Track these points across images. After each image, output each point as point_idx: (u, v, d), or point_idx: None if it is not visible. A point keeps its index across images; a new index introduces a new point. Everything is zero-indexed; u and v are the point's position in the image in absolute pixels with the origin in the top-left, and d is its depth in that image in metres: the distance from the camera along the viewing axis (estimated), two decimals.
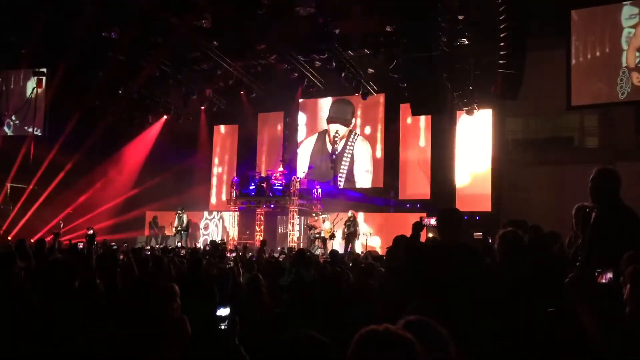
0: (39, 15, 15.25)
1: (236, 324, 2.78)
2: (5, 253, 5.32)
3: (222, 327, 2.72)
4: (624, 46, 13.33)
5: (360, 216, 18.00)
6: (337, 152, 20.27)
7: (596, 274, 2.47)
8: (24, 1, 14.37)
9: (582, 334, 2.57)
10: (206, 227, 21.22)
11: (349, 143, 20.18)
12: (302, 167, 20.66)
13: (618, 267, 2.67)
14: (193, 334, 3.01)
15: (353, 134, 20.18)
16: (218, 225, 20.96)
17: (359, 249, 16.24)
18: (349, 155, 20.09)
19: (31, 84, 18.59)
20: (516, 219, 4.49)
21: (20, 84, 19.12)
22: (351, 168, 20.00)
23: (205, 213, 21.40)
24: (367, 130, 20.08)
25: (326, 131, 20.62)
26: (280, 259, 10.92)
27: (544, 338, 3.21)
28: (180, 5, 14.60)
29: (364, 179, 19.78)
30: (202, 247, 15.84)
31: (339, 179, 20.05)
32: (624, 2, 13.34)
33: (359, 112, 20.18)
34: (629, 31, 13.33)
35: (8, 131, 18.95)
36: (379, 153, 19.71)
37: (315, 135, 20.82)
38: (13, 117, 18.96)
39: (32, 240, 14.59)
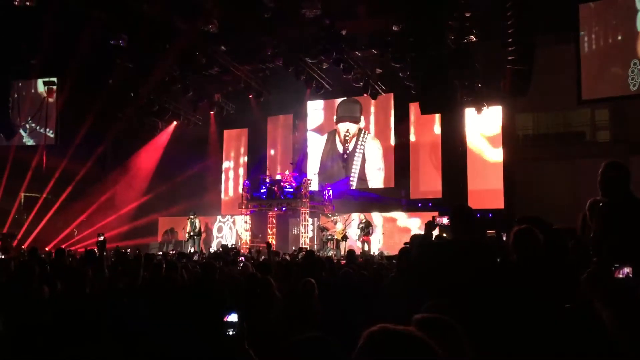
0: (47, 24, 15.37)
1: (244, 329, 2.77)
2: (24, 265, 5.34)
3: (230, 332, 2.71)
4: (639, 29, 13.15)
5: (373, 216, 17.96)
6: (348, 152, 20.26)
7: (613, 269, 2.42)
8: (33, 11, 14.48)
9: (602, 330, 2.53)
10: (220, 230, 21.26)
11: (360, 142, 20.15)
12: (312, 169, 20.65)
13: (634, 262, 2.62)
14: (202, 339, 3.03)
15: (363, 132, 20.15)
16: (232, 229, 20.99)
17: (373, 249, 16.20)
18: (360, 154, 20.05)
19: (42, 93, 18.77)
20: (529, 216, 4.42)
21: (31, 93, 19.31)
22: (363, 167, 19.96)
23: (219, 217, 21.43)
24: (377, 130, 20.05)
25: (335, 131, 20.61)
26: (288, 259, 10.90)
27: (561, 334, 3.16)
28: (187, 10, 14.66)
29: (377, 177, 19.72)
30: (217, 251, 15.85)
31: (351, 178, 20.02)
32: None
33: (370, 113, 20.15)
34: None
35: (25, 136, 19.14)
36: (390, 153, 19.66)
37: (325, 136, 20.80)
38: (27, 126, 19.14)
39: (46, 249, 14.74)
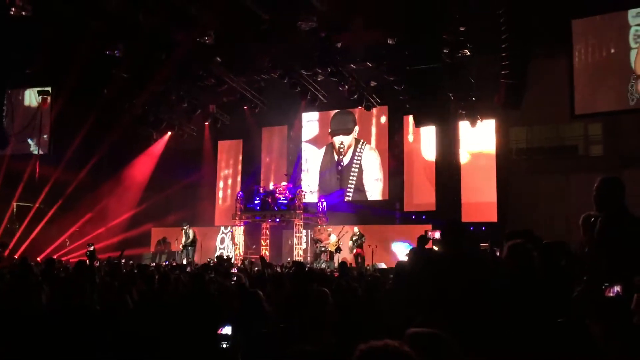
0: (43, 34, 15.37)
1: (238, 342, 2.76)
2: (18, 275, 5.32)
3: (224, 345, 2.70)
4: (632, 44, 13.29)
5: (366, 229, 17.92)
6: (342, 164, 20.27)
7: (603, 287, 2.43)
8: (28, 20, 14.50)
9: (593, 345, 2.54)
10: (222, 241, 21.10)
11: (357, 153, 20.10)
12: (307, 180, 20.62)
13: (627, 279, 2.63)
14: (195, 352, 3.02)
15: (360, 143, 20.10)
16: (236, 239, 20.75)
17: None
18: (357, 166, 20.00)
19: (36, 102, 18.75)
20: (519, 229, 4.45)
21: (25, 103, 19.28)
22: (360, 178, 19.90)
23: (222, 227, 21.25)
24: (372, 142, 20.07)
25: (332, 144, 20.62)
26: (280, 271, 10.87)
27: (554, 349, 3.16)
28: (183, 22, 14.71)
29: (375, 187, 19.64)
30: (208, 261, 15.76)
31: (347, 190, 19.97)
32: (630, 9, 13.33)
33: (367, 124, 20.12)
34: (636, 29, 13.29)
35: (32, 145, 19.11)
36: (385, 165, 19.67)
37: (324, 149, 20.78)
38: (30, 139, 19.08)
39: (38, 259, 14.65)
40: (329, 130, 20.71)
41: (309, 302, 4.08)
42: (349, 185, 20.01)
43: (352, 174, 20.05)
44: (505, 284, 3.77)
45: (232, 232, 20.15)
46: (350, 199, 19.92)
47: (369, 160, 19.91)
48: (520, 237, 3.89)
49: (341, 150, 20.31)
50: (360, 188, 19.88)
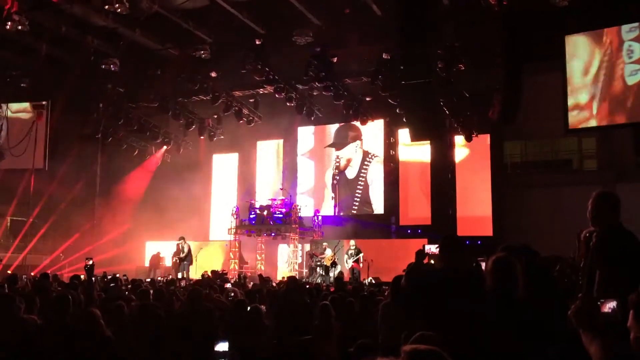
0: (39, 48, 15.41)
1: (236, 358, 2.74)
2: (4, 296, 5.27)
3: None
4: (626, 59, 13.41)
5: (362, 243, 17.87)
6: (337, 178, 20.25)
7: (599, 303, 2.42)
8: (25, 35, 14.55)
9: None
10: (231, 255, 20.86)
11: (364, 166, 20.01)
12: (302, 195, 20.59)
13: (622, 295, 2.62)
14: None
15: (369, 156, 20.01)
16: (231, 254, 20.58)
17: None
18: (363, 179, 19.91)
19: (31, 116, 18.73)
20: (515, 244, 4.43)
21: (21, 116, 19.25)
22: (367, 191, 19.80)
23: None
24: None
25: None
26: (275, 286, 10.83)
27: None
28: (179, 36, 14.81)
29: (382, 200, 19.54)
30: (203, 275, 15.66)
31: (354, 203, 19.88)
32: (623, 25, 13.47)
33: (368, 138, 20.08)
34: (629, 44, 13.42)
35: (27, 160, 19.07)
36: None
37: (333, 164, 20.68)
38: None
39: (32, 274, 14.56)
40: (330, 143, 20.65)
41: (314, 315, 4.08)
42: (355, 198, 19.89)
43: (358, 186, 19.94)
44: (484, 297, 3.75)
45: (227, 246, 20.05)
46: (356, 212, 19.82)
47: (376, 173, 19.81)
48: (516, 251, 3.87)
49: (337, 164, 20.31)
50: (367, 200, 19.75)
